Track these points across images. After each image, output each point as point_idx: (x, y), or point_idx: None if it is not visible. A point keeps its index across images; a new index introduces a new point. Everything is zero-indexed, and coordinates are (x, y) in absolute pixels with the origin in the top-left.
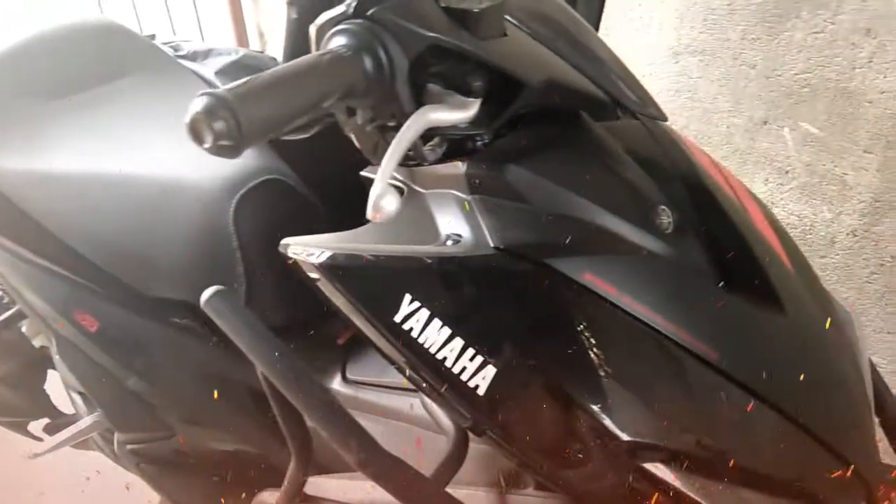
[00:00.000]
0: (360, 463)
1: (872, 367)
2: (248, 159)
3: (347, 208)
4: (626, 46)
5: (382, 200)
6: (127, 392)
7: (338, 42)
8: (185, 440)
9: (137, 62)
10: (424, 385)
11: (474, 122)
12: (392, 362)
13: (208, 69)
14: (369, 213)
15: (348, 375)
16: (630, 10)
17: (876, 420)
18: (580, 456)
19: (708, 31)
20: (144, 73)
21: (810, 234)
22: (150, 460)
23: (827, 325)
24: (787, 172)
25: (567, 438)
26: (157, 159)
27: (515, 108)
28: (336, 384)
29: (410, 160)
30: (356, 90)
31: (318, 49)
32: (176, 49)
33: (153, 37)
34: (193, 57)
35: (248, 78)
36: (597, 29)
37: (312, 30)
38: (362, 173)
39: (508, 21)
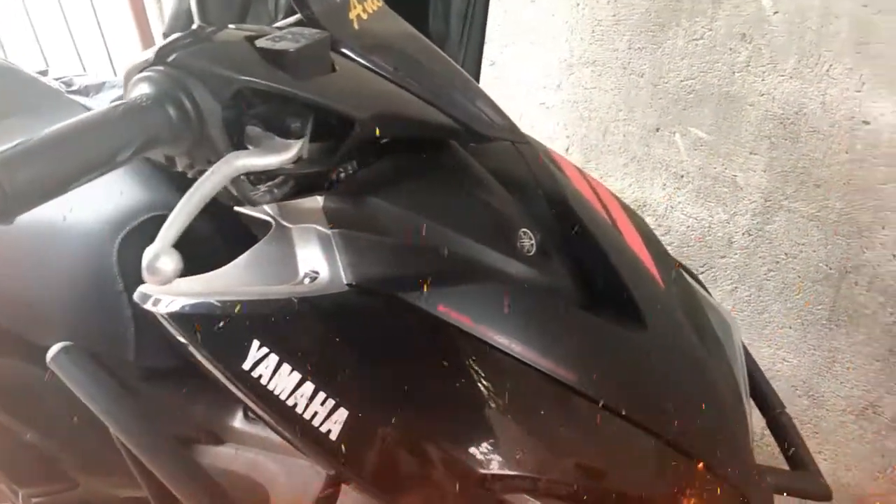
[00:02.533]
0: None
1: (746, 353)
2: (133, 196)
3: (249, 239)
4: (523, 61)
5: (158, 262)
6: (25, 446)
7: (140, 91)
8: (89, 490)
9: (24, 100)
10: (279, 434)
11: (312, 159)
12: (237, 407)
13: (100, 103)
14: (144, 276)
15: (250, 413)
16: (523, 23)
17: (752, 402)
18: (443, 494)
19: (597, 42)
20: (32, 111)
21: (709, 235)
22: None
23: (697, 334)
24: (682, 177)
25: (426, 476)
26: None
27: (349, 144)
28: (237, 422)
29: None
30: (161, 139)
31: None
32: (68, 84)
33: (45, 73)
34: (86, 91)
35: (24, 139)
36: (481, 52)
37: (123, 78)
38: (237, 209)
39: (343, 55)
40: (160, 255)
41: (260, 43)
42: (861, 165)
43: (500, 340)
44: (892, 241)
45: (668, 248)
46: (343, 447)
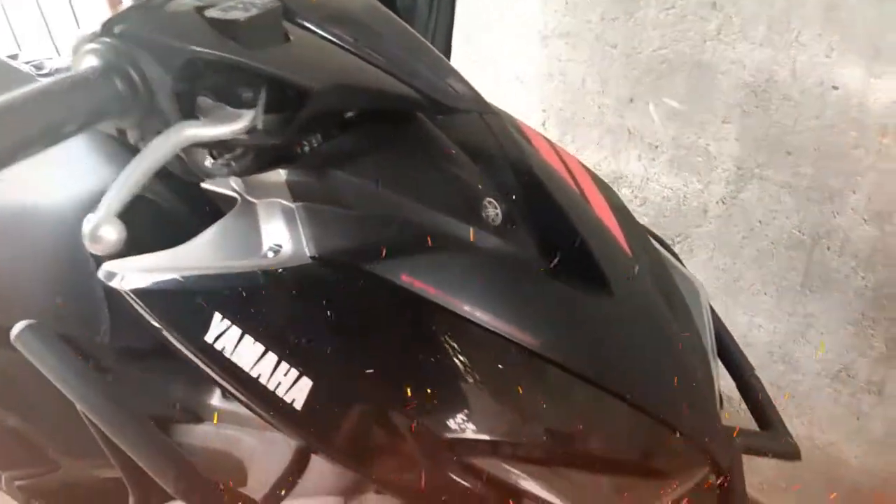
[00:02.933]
0: (178, 492)
1: (716, 317)
2: (103, 174)
3: (218, 216)
4: (496, 34)
5: (100, 231)
6: (5, 430)
7: (87, 63)
8: (70, 472)
9: None
10: (245, 405)
11: (268, 131)
12: (214, 385)
13: None
14: (87, 246)
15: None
16: None
17: (719, 363)
18: (409, 459)
19: (570, 13)
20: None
21: (685, 205)
22: (40, 495)
23: (664, 299)
24: (656, 147)
25: (393, 444)
26: (10, 182)
27: (306, 116)
28: (216, 400)
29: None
30: (109, 111)
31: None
32: (38, 68)
33: (15, 56)
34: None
35: None
36: (451, 26)
37: (70, 50)
38: (203, 185)
39: (299, 25)
40: (101, 225)
41: (209, 13)
42: (831, 131)
43: (465, 308)
44: (862, 205)
45: (645, 219)
46: (308, 417)
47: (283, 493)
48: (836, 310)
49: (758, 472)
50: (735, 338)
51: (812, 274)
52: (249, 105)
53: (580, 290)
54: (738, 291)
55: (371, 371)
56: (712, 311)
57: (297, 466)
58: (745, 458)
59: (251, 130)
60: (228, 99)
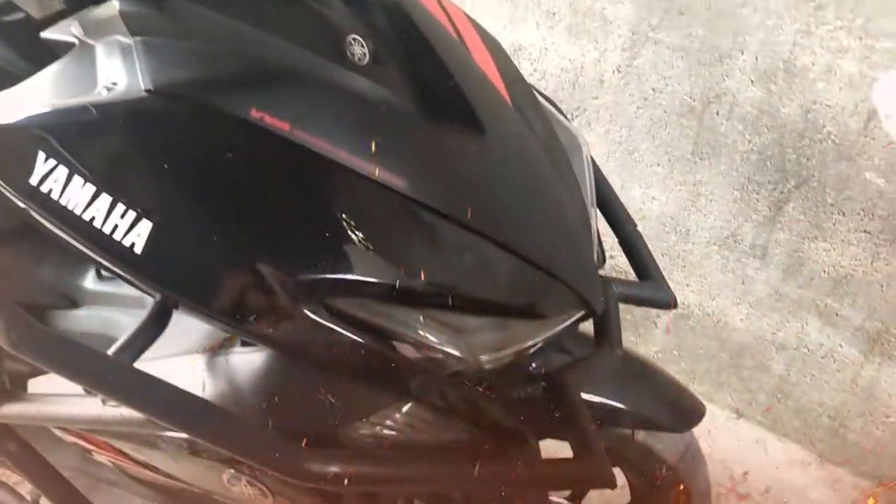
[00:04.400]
0: (12, 343)
1: (598, 171)
2: None
3: None
4: None
5: None
6: None
7: None
8: None
9: None
10: (79, 251)
11: None
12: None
13: None
14: None
15: (103, 272)
16: None
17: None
18: (269, 304)
19: None
20: None
21: (582, 76)
22: None
23: (542, 147)
24: (554, 14)
25: (246, 287)
26: None
27: None
28: (89, 282)
29: None
30: None
31: None
32: None
33: None
34: None
35: None
36: None
37: None
38: (43, 35)
39: None
40: None
41: None
42: None
43: (324, 146)
44: (750, 66)
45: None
46: (150, 261)
47: (140, 345)
48: (723, 176)
49: (653, 342)
50: (630, 212)
51: (702, 141)
52: None
53: (451, 132)
54: (634, 164)
55: (217, 210)
56: (594, 164)
57: (156, 321)
58: (643, 329)
59: None
60: None
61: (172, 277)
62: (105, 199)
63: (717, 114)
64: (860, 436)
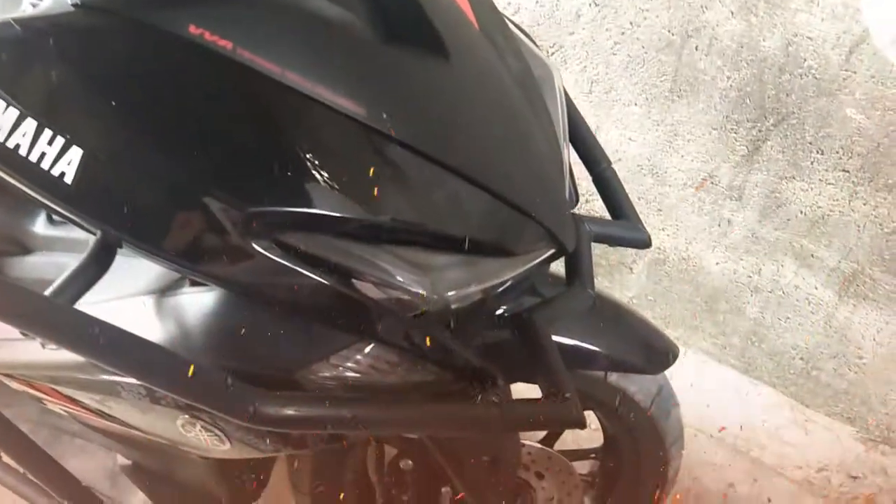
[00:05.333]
0: None
1: (571, 105)
2: None
3: None
4: None
5: None
6: None
7: None
8: None
9: None
10: (6, 184)
11: None
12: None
13: None
14: None
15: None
16: None
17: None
18: (215, 240)
19: None
20: None
21: (558, 10)
22: None
23: (512, 77)
24: None
25: (191, 220)
26: None
27: None
28: (40, 227)
29: None
30: None
31: None
32: None
33: None
34: None
35: None
36: None
37: None
38: None
39: None
40: None
41: None
42: None
43: (271, 68)
44: None
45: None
46: (82, 192)
47: (80, 285)
48: (701, 114)
49: (627, 287)
50: (607, 153)
51: (680, 78)
52: None
53: (414, 56)
54: (611, 104)
55: (155, 137)
56: (568, 99)
57: (97, 260)
58: (618, 275)
59: None
60: None
61: (109, 211)
62: (30, 124)
63: (697, 48)
64: (832, 377)
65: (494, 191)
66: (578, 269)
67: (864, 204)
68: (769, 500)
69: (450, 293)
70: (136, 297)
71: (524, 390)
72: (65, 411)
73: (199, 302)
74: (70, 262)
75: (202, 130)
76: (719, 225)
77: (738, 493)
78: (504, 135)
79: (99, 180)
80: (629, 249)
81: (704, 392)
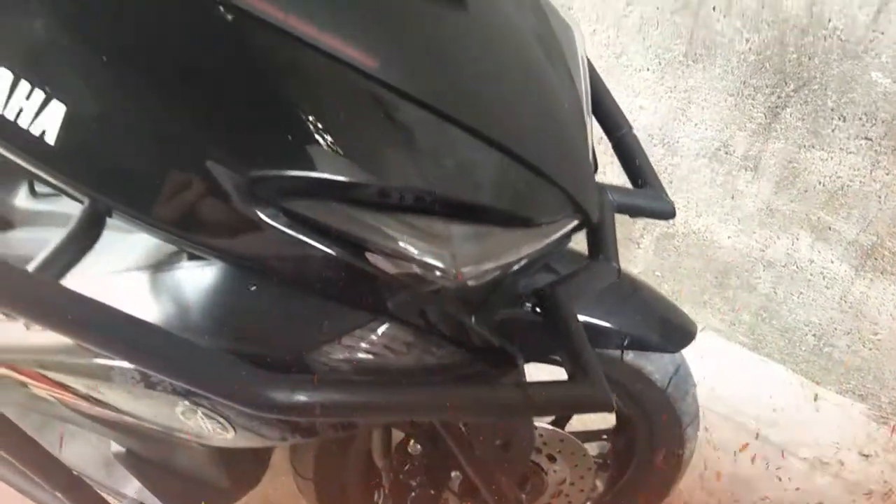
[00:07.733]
0: None
1: (591, 68)
2: None
3: None
4: None
5: None
6: None
7: None
8: None
9: None
10: None
11: None
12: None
13: None
14: None
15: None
16: None
17: (594, 120)
18: (216, 207)
19: None
20: None
21: None
22: None
23: (533, 34)
24: None
25: (183, 187)
26: None
27: None
28: (22, 201)
29: None
30: None
31: None
32: None
33: None
34: None
35: None
36: None
37: None
38: None
39: None
40: None
41: None
42: None
43: (272, 12)
44: None
45: None
46: (66, 153)
47: (67, 259)
48: (717, 80)
49: (634, 262)
50: None
51: (696, 41)
52: None
53: (428, 4)
54: (622, 70)
55: (144, 90)
56: (589, 63)
57: (85, 231)
58: (623, 249)
59: None
60: None
61: (96, 175)
62: (5, 77)
63: (714, 9)
64: (845, 354)
65: (516, 154)
66: (602, 241)
67: (887, 174)
68: (779, 480)
69: (469, 267)
70: (128, 273)
71: (532, 372)
72: (52, 397)
73: (198, 277)
74: (55, 238)
75: (196, 84)
76: (733, 197)
77: (747, 471)
78: (525, 95)
79: (84, 140)
80: (637, 221)
81: (712, 370)
